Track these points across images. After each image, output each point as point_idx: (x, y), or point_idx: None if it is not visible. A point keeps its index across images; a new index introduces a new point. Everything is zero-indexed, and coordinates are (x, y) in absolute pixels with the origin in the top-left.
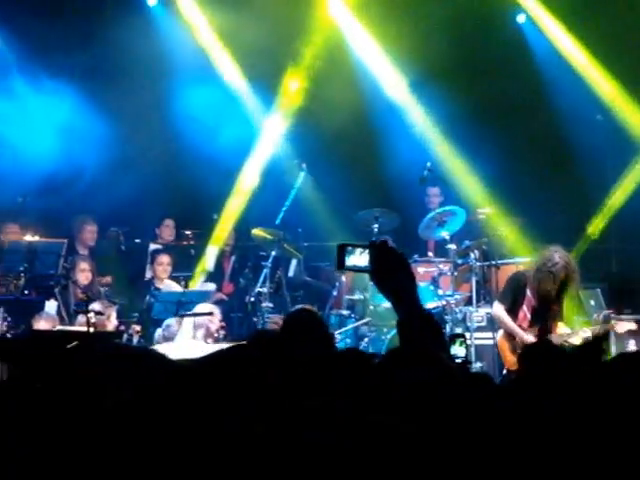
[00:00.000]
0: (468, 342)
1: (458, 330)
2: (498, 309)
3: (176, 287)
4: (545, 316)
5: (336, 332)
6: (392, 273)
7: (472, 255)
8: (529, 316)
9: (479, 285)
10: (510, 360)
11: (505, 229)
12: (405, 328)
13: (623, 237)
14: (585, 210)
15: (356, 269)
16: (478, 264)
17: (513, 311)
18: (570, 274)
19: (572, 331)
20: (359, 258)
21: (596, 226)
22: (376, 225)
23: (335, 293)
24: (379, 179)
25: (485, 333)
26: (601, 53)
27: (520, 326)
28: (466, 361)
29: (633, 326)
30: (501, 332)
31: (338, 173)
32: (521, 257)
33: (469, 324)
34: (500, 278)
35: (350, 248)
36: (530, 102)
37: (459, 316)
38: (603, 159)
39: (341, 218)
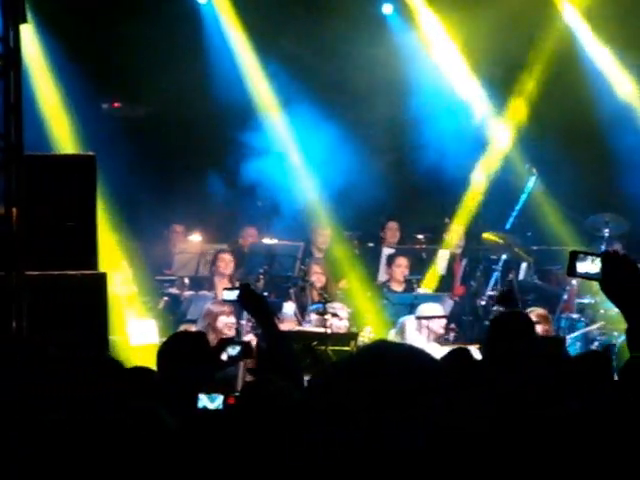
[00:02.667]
0: None
1: None
2: None
3: (419, 288)
4: None
5: (567, 336)
6: (623, 282)
7: None
8: None
9: None
10: None
11: None
12: (634, 336)
13: None
14: None
15: (586, 276)
16: None
17: None
18: None
19: None
20: (590, 265)
21: None
22: (606, 230)
23: (565, 297)
24: (610, 184)
25: None
26: None
27: None
28: None
29: None
30: None
31: (569, 177)
32: None
33: None
34: None
35: (582, 255)
36: None
37: None
38: None
39: (571, 222)
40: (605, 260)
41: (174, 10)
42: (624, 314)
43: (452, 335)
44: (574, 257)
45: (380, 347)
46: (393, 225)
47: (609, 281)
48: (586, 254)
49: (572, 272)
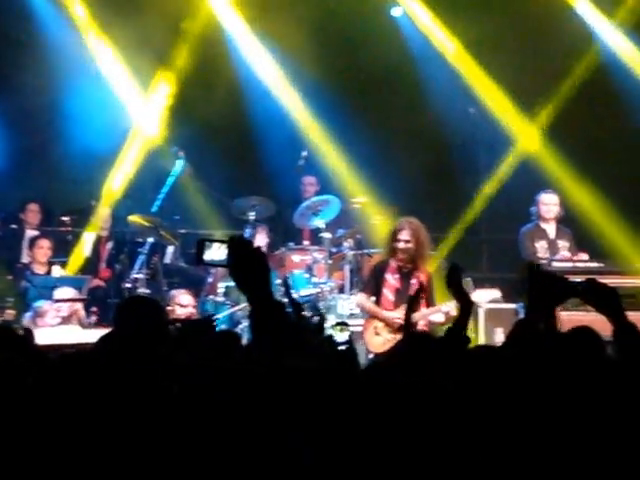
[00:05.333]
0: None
1: (330, 317)
2: (360, 298)
3: (61, 271)
4: (408, 295)
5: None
6: (247, 267)
7: (346, 244)
8: (392, 298)
9: (352, 273)
10: (374, 343)
11: (379, 218)
12: (257, 318)
13: (493, 228)
14: (458, 200)
15: (214, 263)
16: (351, 253)
17: (377, 298)
18: (419, 239)
19: (433, 308)
20: (217, 252)
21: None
22: (252, 213)
23: (210, 280)
24: (256, 167)
25: (357, 320)
26: (475, 47)
27: (385, 309)
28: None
29: (497, 294)
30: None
31: (216, 161)
32: None
33: (341, 311)
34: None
35: (209, 243)
36: (406, 95)
37: (332, 303)
38: (476, 151)
39: (218, 206)
40: (230, 246)
41: None
42: (247, 297)
43: (94, 318)
44: (201, 245)
45: None
46: (34, 207)
47: (234, 266)
48: (213, 241)
49: (200, 260)
